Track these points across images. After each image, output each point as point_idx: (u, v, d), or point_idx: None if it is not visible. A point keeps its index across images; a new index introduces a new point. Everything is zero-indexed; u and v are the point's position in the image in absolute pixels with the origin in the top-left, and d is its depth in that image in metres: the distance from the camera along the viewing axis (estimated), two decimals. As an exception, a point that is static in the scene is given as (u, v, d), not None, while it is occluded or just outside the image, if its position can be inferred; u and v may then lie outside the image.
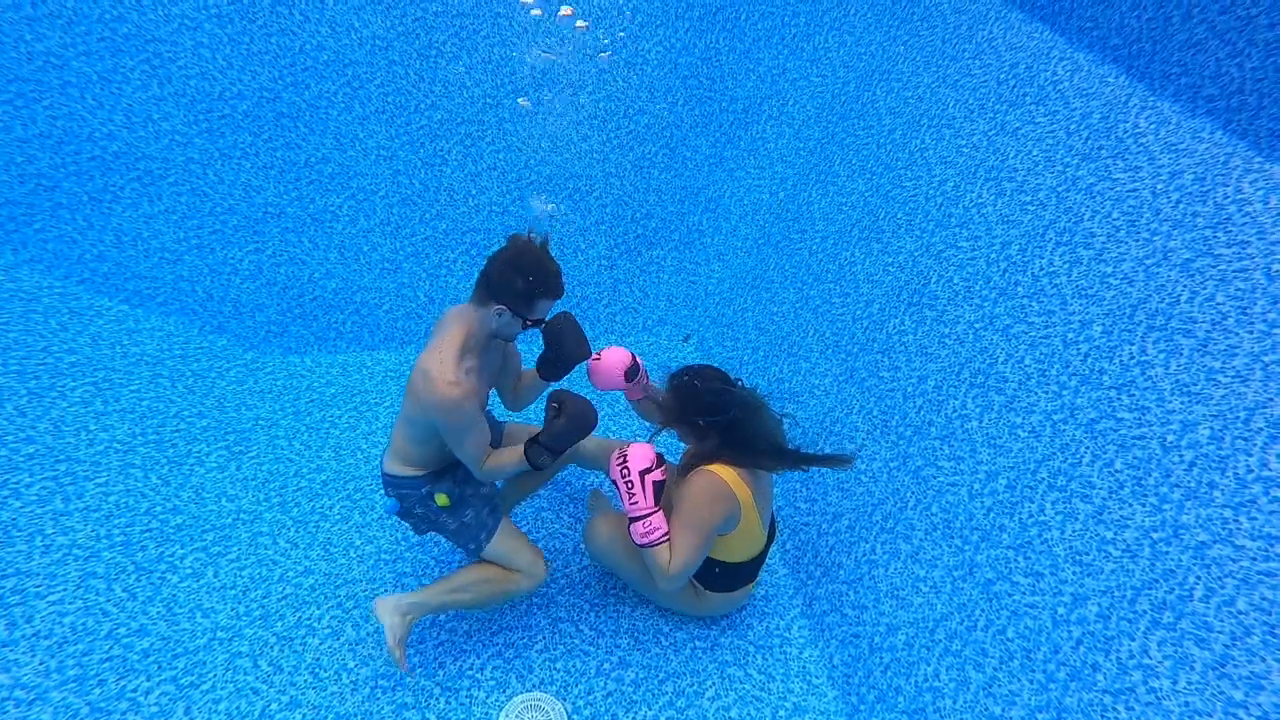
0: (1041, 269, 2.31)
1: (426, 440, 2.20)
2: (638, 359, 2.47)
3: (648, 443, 2.29)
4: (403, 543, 2.91)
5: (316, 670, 2.47)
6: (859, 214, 3.21)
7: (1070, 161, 2.37)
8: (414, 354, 3.67)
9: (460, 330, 2.06)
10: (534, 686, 2.49)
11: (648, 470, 2.20)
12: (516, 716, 2.40)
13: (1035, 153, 2.50)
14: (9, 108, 3.24)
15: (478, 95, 3.67)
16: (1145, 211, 2.08)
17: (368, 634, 2.58)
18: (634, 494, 2.21)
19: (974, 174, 2.70)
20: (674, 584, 2.28)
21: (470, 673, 2.51)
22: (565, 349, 2.28)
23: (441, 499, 2.30)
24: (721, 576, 2.47)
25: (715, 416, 2.23)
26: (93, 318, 3.42)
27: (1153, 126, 2.17)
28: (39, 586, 2.51)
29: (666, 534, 2.24)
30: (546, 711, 2.42)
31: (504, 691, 2.47)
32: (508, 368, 2.46)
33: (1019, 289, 2.36)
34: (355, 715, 2.37)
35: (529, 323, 2.06)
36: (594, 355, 2.42)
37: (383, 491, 2.48)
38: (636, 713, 2.44)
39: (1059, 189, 2.37)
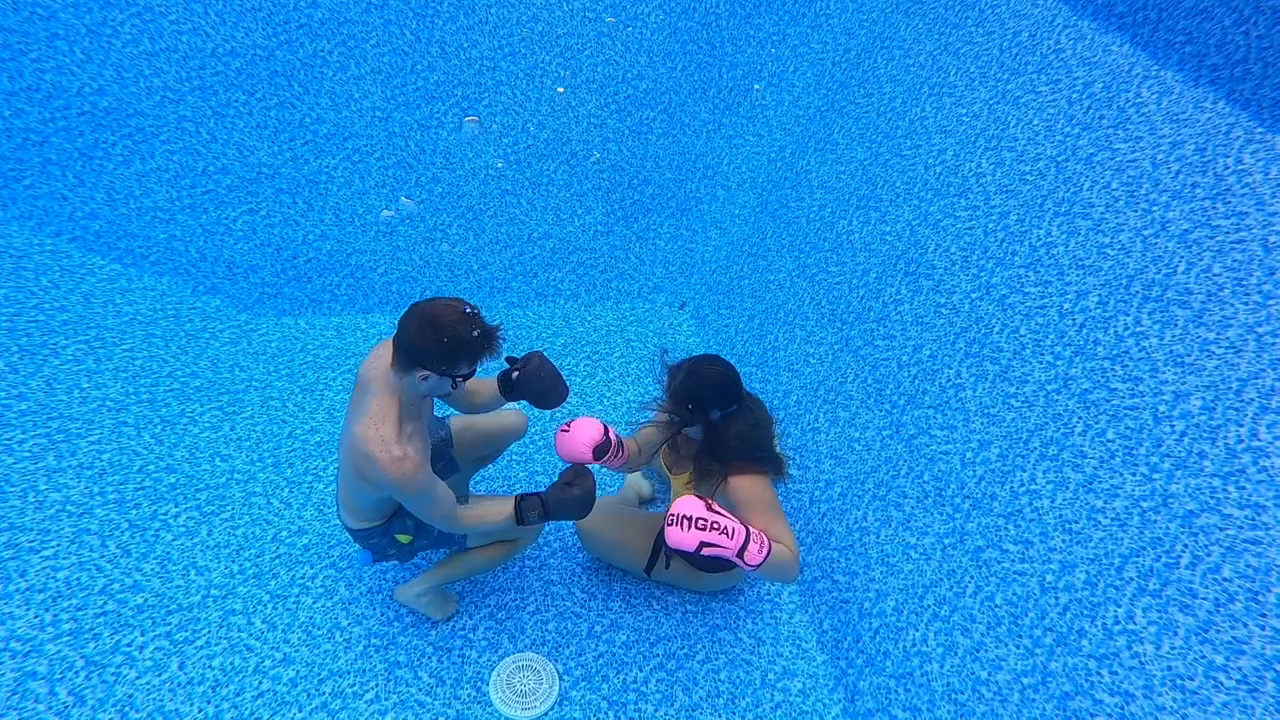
0: (1039, 239, 2.30)
1: (378, 502, 2.15)
2: (610, 432, 2.25)
3: (688, 497, 1.98)
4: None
5: (310, 628, 2.49)
6: (857, 182, 3.19)
7: (1071, 131, 2.35)
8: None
9: (390, 399, 1.93)
10: (526, 647, 2.52)
11: (709, 507, 1.93)
12: (508, 676, 2.42)
13: (1036, 122, 2.48)
14: (-3, 60, 3.19)
15: (475, 57, 3.63)
16: (1145, 182, 2.07)
17: (360, 593, 2.60)
18: (725, 530, 1.91)
19: (974, 143, 2.68)
20: (795, 560, 2.05)
21: (463, 633, 2.53)
22: (544, 398, 2.25)
23: (403, 538, 2.27)
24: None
25: (729, 405, 2.12)
26: (84, 276, 3.39)
27: (1155, 96, 2.16)
28: (32, 542, 2.51)
29: (763, 541, 1.97)
30: (538, 671, 2.44)
31: (496, 652, 2.50)
32: (460, 396, 2.31)
33: (1016, 259, 2.35)
34: (348, 673, 2.39)
35: (459, 379, 1.91)
36: (563, 425, 2.25)
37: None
38: (627, 674, 2.47)
39: (1059, 159, 2.35)
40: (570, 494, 2.11)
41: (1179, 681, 1.59)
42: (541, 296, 3.96)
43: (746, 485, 2.12)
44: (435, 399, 2.19)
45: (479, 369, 1.96)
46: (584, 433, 2.21)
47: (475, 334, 1.85)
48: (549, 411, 3.12)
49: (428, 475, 1.98)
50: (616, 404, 3.43)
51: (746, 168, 3.98)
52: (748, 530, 1.94)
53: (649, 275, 4.08)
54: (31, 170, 3.36)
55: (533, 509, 2.12)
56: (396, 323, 1.88)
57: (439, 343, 1.81)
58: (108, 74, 3.29)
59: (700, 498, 1.96)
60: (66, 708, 2.18)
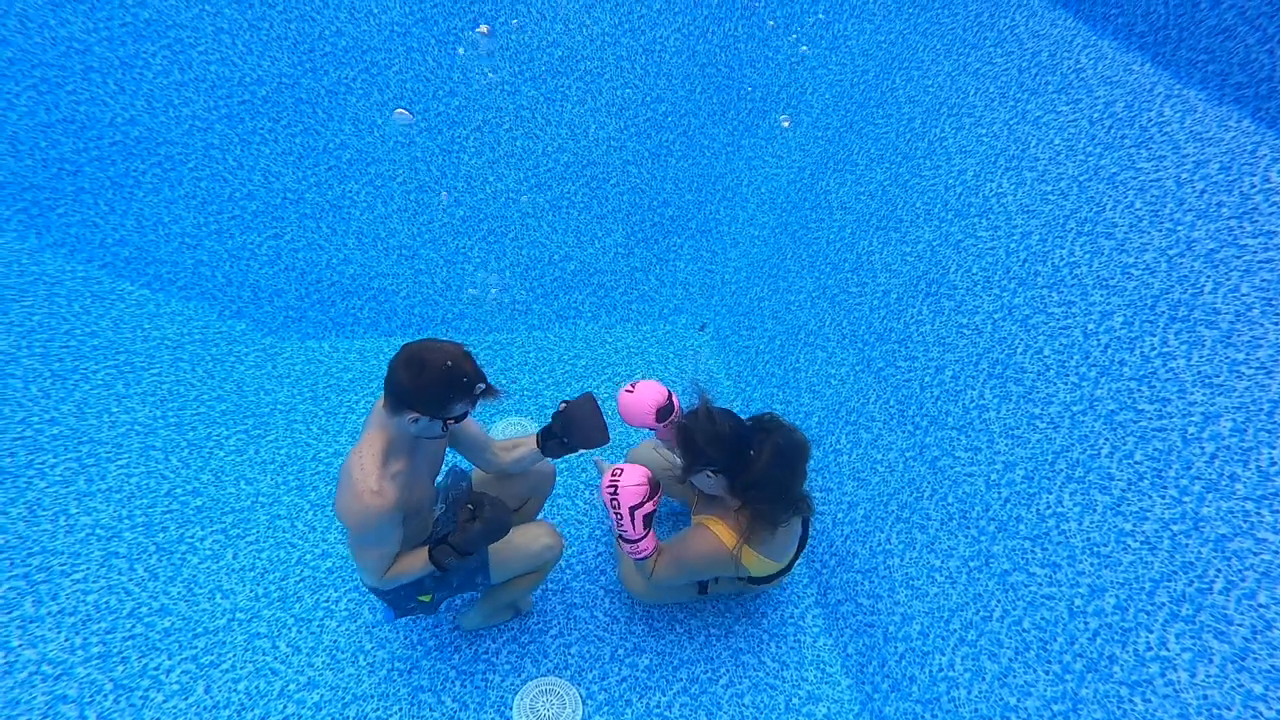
0: (1062, 259, 2.29)
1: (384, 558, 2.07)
2: (674, 397, 2.34)
3: (642, 467, 2.18)
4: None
5: (334, 652, 2.50)
6: (877, 203, 3.19)
7: (1093, 150, 2.35)
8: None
9: (380, 433, 1.91)
10: (549, 671, 2.51)
11: (638, 506, 2.12)
12: (531, 701, 2.42)
13: (1057, 141, 2.48)
14: (33, 93, 3.27)
15: (495, 82, 3.67)
16: (1169, 201, 2.06)
17: (383, 617, 2.60)
18: (622, 524, 2.16)
19: (994, 163, 2.68)
20: (644, 587, 2.35)
21: (486, 657, 2.53)
22: (584, 437, 2.19)
23: (424, 598, 2.23)
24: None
25: (733, 459, 2.12)
26: (114, 301, 3.45)
27: (1178, 115, 2.14)
28: (64, 565, 2.55)
29: (653, 552, 2.26)
30: (561, 696, 2.43)
31: (519, 675, 2.49)
32: (466, 444, 2.27)
33: (1039, 279, 2.34)
34: (372, 696, 2.40)
35: (450, 421, 1.89)
36: (627, 386, 2.33)
37: None
38: (650, 698, 2.46)
39: (1081, 178, 2.34)
40: (473, 529, 2.01)
41: (1215, 711, 1.55)
42: (562, 319, 3.98)
43: (693, 543, 2.26)
44: (449, 449, 2.22)
45: (477, 412, 1.93)
46: (648, 394, 2.29)
47: (464, 379, 1.82)
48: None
49: (387, 521, 1.89)
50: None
51: (766, 189, 3.99)
52: (644, 539, 2.20)
53: (669, 297, 4.09)
54: (65, 199, 3.43)
55: (444, 555, 2.03)
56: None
57: (425, 386, 1.79)
58: (139, 104, 3.36)
59: (650, 483, 2.13)
60: (95, 731, 2.20)
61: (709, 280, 4.10)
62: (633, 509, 2.12)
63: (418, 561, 2.06)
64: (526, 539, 2.30)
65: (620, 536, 2.22)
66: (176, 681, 2.35)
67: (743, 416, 2.24)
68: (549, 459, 2.35)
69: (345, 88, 3.54)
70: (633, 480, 2.12)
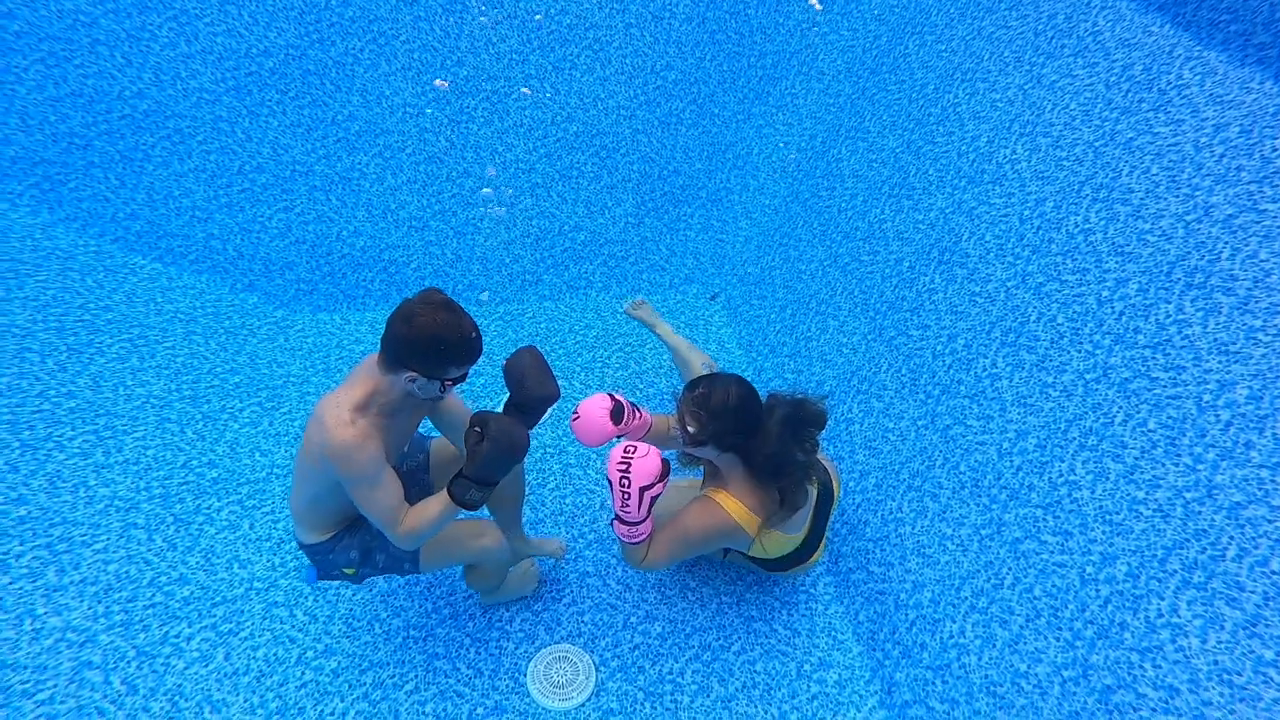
0: (1076, 226, 2.27)
1: (318, 500, 2.00)
2: (618, 396, 2.24)
3: (658, 449, 2.08)
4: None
5: (350, 620, 2.54)
6: (890, 170, 3.16)
7: (1109, 115, 2.31)
8: (442, 312, 3.70)
9: (367, 384, 1.84)
10: (562, 639, 2.54)
11: (649, 487, 2.01)
12: (545, 668, 2.45)
13: (1073, 106, 2.44)
14: (41, 66, 3.27)
15: (504, 51, 3.64)
16: (1187, 166, 2.03)
17: (398, 586, 2.64)
18: (628, 505, 2.04)
19: (1008, 129, 2.64)
20: (636, 568, 2.28)
21: (499, 624, 2.57)
22: (528, 393, 2.00)
23: (348, 570, 2.14)
24: (760, 564, 2.49)
25: (742, 432, 2.10)
26: (127, 275, 3.47)
27: (1198, 78, 2.10)
28: (84, 536, 2.59)
29: (649, 535, 2.17)
30: (575, 663, 2.47)
31: (532, 643, 2.52)
32: (449, 423, 2.23)
33: (1053, 246, 2.32)
34: (388, 664, 2.44)
35: (448, 383, 1.85)
36: (573, 415, 2.19)
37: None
38: (662, 665, 2.49)
39: (1096, 144, 2.31)
40: (484, 451, 1.84)
41: (1226, 676, 1.56)
42: (573, 289, 3.97)
43: (695, 514, 2.22)
44: (423, 418, 2.15)
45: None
46: (593, 406, 2.16)
47: (473, 335, 1.77)
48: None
49: (375, 456, 1.82)
50: (649, 395, 3.43)
51: (777, 157, 3.95)
52: (643, 524, 2.10)
53: (680, 267, 4.07)
54: (76, 173, 3.44)
55: (465, 489, 1.89)
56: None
57: (429, 343, 1.74)
58: (146, 77, 3.35)
59: (664, 464, 2.02)
60: (120, 696, 2.25)
61: (719, 250, 4.08)
62: (644, 489, 2.00)
63: (437, 505, 1.92)
64: (462, 532, 2.20)
65: (617, 517, 2.11)
66: (197, 649, 2.40)
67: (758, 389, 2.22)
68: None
69: (353, 59, 3.51)
70: (648, 459, 2.01)
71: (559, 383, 2.07)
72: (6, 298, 3.11)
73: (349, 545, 2.13)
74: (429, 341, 1.74)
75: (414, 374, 1.79)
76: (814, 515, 2.41)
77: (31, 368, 2.95)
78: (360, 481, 1.83)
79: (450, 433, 2.26)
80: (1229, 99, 2.01)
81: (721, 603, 2.67)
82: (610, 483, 2.03)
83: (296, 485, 2.01)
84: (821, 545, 2.48)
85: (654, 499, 2.04)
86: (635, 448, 2.03)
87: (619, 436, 2.23)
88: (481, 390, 3.36)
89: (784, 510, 2.20)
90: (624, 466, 2.00)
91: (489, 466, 1.86)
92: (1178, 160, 2.05)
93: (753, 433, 2.12)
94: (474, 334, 1.80)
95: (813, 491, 2.33)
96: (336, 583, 2.23)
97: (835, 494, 2.50)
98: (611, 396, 2.20)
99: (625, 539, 2.15)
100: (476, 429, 1.87)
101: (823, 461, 2.49)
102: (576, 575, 2.73)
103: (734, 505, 2.19)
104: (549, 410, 2.11)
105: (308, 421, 1.88)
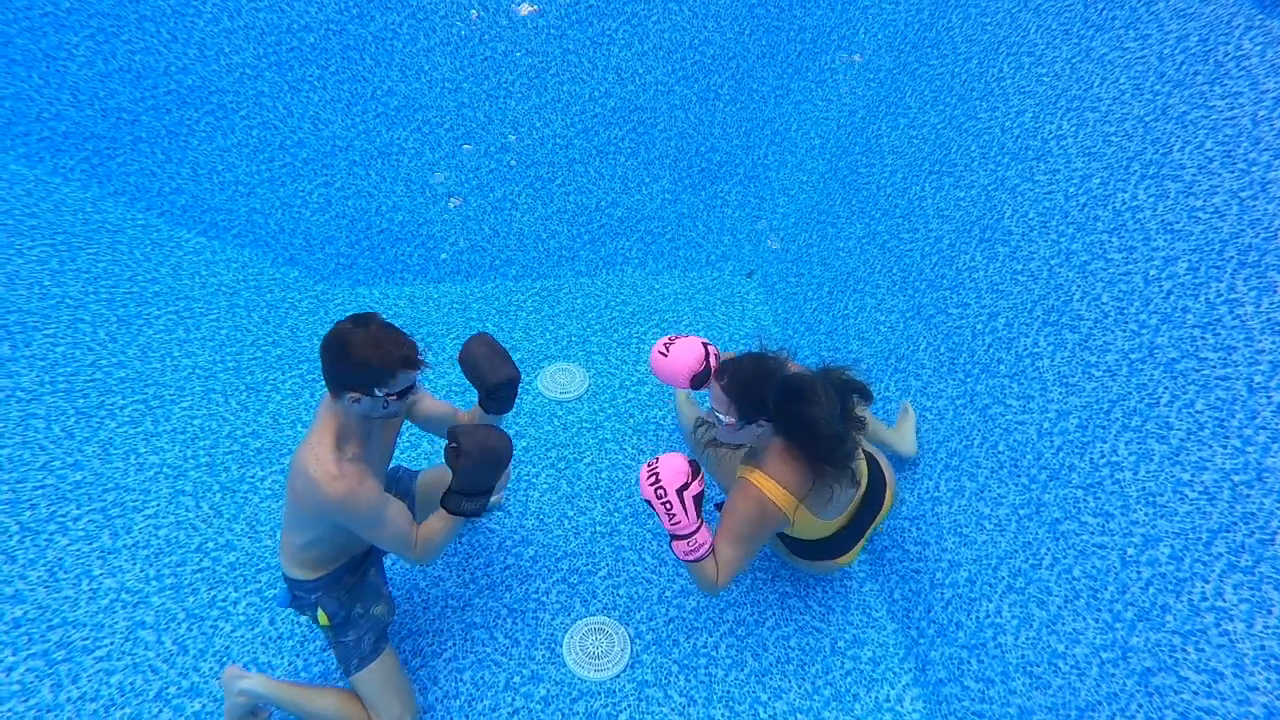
0: (1124, 203, 2.22)
1: (314, 543, 2.00)
2: (712, 355, 2.21)
3: (676, 453, 2.06)
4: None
5: (390, 590, 2.59)
6: (930, 147, 3.11)
7: (1161, 89, 2.25)
8: (478, 287, 3.74)
9: (329, 421, 1.87)
10: (598, 611, 2.58)
11: (685, 486, 1.98)
12: (581, 639, 2.49)
13: (1123, 80, 2.38)
14: (91, 42, 3.33)
15: (541, 27, 3.63)
16: (1244, 141, 1.97)
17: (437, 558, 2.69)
18: (675, 514, 1.99)
19: (1054, 104, 2.59)
20: (718, 593, 2.15)
21: (536, 596, 2.61)
22: (483, 380, 2.07)
23: (322, 618, 2.09)
24: (800, 548, 2.43)
25: (763, 409, 2.04)
26: (173, 249, 3.54)
27: (1258, 48, 2.04)
28: (135, 501, 2.67)
29: (711, 546, 2.08)
30: (610, 635, 2.50)
31: (569, 615, 2.56)
32: (427, 421, 2.24)
33: (1098, 224, 2.27)
34: (427, 632, 2.49)
35: (391, 396, 1.84)
36: (660, 344, 2.18)
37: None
38: (697, 639, 2.51)
39: (1147, 119, 2.26)
40: (464, 466, 1.90)
41: (1273, 661, 1.54)
42: (609, 265, 3.98)
43: (738, 503, 2.11)
44: (397, 431, 2.14)
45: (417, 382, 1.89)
46: (684, 359, 2.14)
47: (389, 348, 1.78)
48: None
49: (372, 491, 1.88)
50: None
51: (815, 133, 3.91)
52: (699, 531, 2.01)
53: (717, 243, 4.06)
54: (124, 148, 3.50)
55: (456, 503, 1.96)
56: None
57: (354, 364, 1.76)
58: (191, 53, 3.40)
59: (691, 464, 2.01)
60: (172, 655, 2.32)
61: (757, 227, 4.06)
62: (680, 490, 1.97)
63: (440, 523, 2.00)
64: (395, 694, 2.14)
65: (674, 536, 2.02)
66: (243, 613, 2.47)
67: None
68: (493, 416, 2.21)
69: (391, 33, 3.53)
70: (672, 460, 2.00)
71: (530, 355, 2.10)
72: (60, 270, 3.19)
73: (333, 600, 2.10)
74: (350, 360, 1.76)
75: (355, 394, 1.80)
76: (855, 514, 2.33)
77: (84, 338, 3.03)
78: (368, 523, 1.90)
79: (435, 429, 2.26)
80: (1289, 72, 1.95)
81: (755, 579, 2.69)
82: (651, 505, 2.00)
83: (289, 526, 2.02)
84: (857, 548, 2.39)
85: (696, 498, 2.00)
86: (657, 460, 2.02)
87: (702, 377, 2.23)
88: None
89: (823, 484, 2.07)
90: (653, 479, 1.99)
91: (472, 478, 1.93)
92: (1234, 135, 2.00)
93: (773, 398, 2.03)
94: (391, 346, 1.79)
95: (861, 482, 2.25)
96: (371, 608, 2.15)
97: (886, 501, 2.39)
98: (706, 359, 2.23)
99: (687, 557, 2.04)
100: (453, 445, 1.92)
101: (878, 461, 2.41)
102: (612, 549, 2.76)
103: (768, 484, 2.09)
104: (513, 391, 2.14)
105: (289, 475, 1.91)
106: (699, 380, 2.22)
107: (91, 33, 3.31)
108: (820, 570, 2.54)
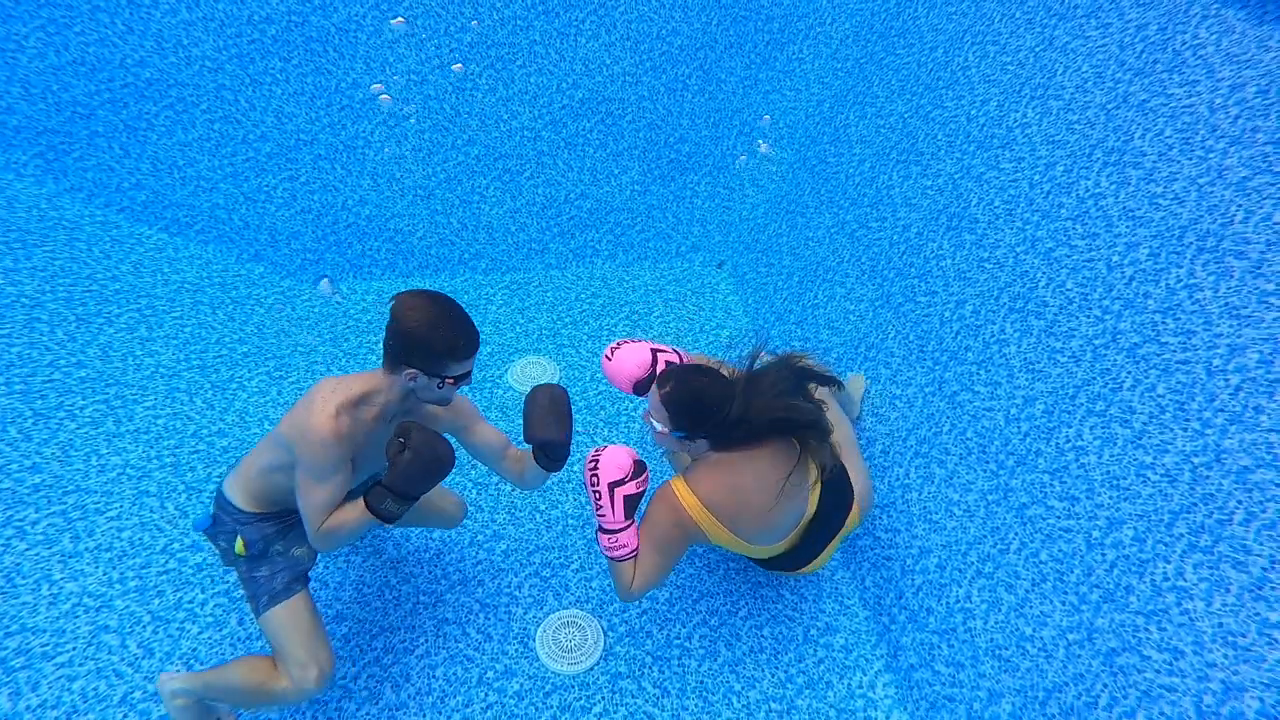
0: (1087, 190, 2.24)
1: (275, 470, 1.93)
2: (661, 357, 2.17)
3: (627, 447, 2.02)
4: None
5: (361, 586, 2.56)
6: (897, 136, 3.12)
7: (1122, 77, 2.27)
8: (447, 281, 3.70)
9: (368, 382, 1.82)
10: (571, 604, 2.57)
11: (619, 483, 1.93)
12: (554, 632, 2.48)
13: (1085, 68, 2.40)
14: (42, 34, 3.24)
15: (508, 17, 3.60)
16: (1201, 128, 2.00)
17: (408, 553, 2.66)
18: (601, 507, 1.97)
19: (1019, 92, 2.61)
20: (633, 600, 2.11)
21: (508, 590, 2.59)
22: (526, 432, 1.95)
23: (239, 546, 2.00)
24: (765, 564, 2.43)
25: (710, 424, 2.00)
26: (133, 245, 3.47)
27: (1214, 37, 2.07)
28: (97, 503, 2.62)
29: (635, 550, 2.04)
30: (583, 628, 2.49)
31: (541, 609, 2.55)
32: (480, 450, 2.14)
33: (1062, 211, 2.29)
34: (399, 629, 2.47)
35: (448, 381, 1.80)
36: (608, 350, 2.15)
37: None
38: (670, 630, 2.51)
39: (1109, 106, 2.28)
40: (404, 463, 1.77)
41: (1230, 638, 1.57)
42: (579, 257, 3.96)
43: (653, 508, 2.09)
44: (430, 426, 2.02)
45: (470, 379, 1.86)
46: (627, 363, 2.11)
47: (470, 335, 1.76)
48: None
49: (337, 457, 1.78)
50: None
51: (783, 123, 3.91)
52: (624, 531, 2.00)
53: (687, 234, 4.05)
54: (80, 143, 3.42)
55: (380, 499, 1.81)
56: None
57: (424, 336, 1.72)
58: (148, 45, 3.32)
59: (636, 463, 1.98)
60: (137, 659, 2.28)
61: (726, 217, 4.06)
62: (612, 485, 1.92)
63: (354, 513, 1.84)
64: (305, 638, 1.99)
65: (600, 527, 2.02)
66: (210, 614, 2.43)
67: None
68: (546, 471, 2.07)
69: (355, 25, 3.48)
70: (615, 452, 1.97)
71: (572, 422, 1.98)
72: (14, 268, 3.12)
73: (255, 531, 2.03)
74: (431, 336, 1.72)
75: (414, 371, 1.76)
76: (807, 532, 2.28)
77: (41, 337, 2.97)
78: (310, 469, 1.80)
79: (484, 459, 2.17)
80: (1246, 58, 1.97)
81: (729, 569, 2.69)
82: (586, 490, 1.94)
83: (262, 447, 1.98)
84: (820, 560, 2.36)
85: (629, 499, 1.95)
86: (603, 449, 1.99)
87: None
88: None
89: (749, 513, 2.06)
90: (593, 466, 1.96)
91: (408, 479, 1.80)
92: (1192, 122, 2.03)
93: (721, 412, 2.00)
94: (469, 324, 1.78)
95: (807, 510, 2.21)
96: (292, 549, 2.06)
97: (852, 517, 2.33)
98: (653, 365, 2.18)
99: (607, 552, 2.02)
100: (400, 439, 1.80)
101: (850, 477, 2.34)
102: (584, 543, 2.75)
103: (684, 491, 2.05)
104: (561, 454, 2.02)
105: (299, 401, 1.86)
106: (642, 387, 2.18)
107: (42, 23, 3.23)
108: (785, 575, 2.56)
